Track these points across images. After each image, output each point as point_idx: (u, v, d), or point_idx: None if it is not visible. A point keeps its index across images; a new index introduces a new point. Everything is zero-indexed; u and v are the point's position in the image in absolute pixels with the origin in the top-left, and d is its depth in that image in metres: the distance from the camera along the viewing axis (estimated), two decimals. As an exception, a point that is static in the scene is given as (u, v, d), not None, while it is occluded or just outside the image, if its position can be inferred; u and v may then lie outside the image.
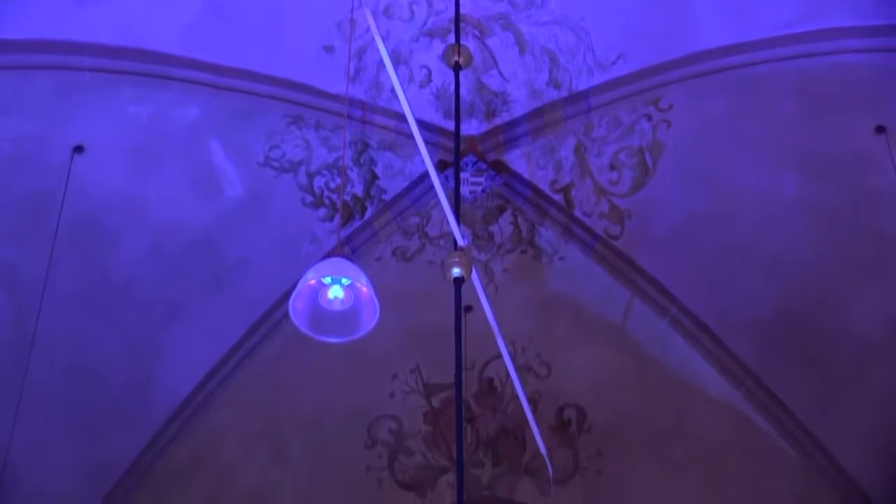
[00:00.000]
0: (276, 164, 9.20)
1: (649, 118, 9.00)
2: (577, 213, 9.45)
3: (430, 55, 8.66)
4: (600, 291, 9.69)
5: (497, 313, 6.96)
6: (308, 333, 5.85)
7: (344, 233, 9.43)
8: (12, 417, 8.54)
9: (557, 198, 9.43)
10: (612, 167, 9.29)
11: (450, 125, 8.78)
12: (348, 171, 9.33)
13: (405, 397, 10.46)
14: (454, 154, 8.27)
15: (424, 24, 8.51)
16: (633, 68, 8.59)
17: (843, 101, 8.44)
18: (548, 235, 9.64)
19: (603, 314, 9.85)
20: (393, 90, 8.63)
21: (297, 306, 5.78)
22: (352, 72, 8.61)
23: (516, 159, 9.29)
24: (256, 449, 10.30)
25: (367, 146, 9.20)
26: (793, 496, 10.04)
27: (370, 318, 5.78)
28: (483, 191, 9.36)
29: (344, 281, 5.79)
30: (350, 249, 9.32)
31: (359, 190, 9.40)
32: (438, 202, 8.97)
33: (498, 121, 9.10)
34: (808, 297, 9.41)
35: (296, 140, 9.11)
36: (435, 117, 8.92)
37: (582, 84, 8.75)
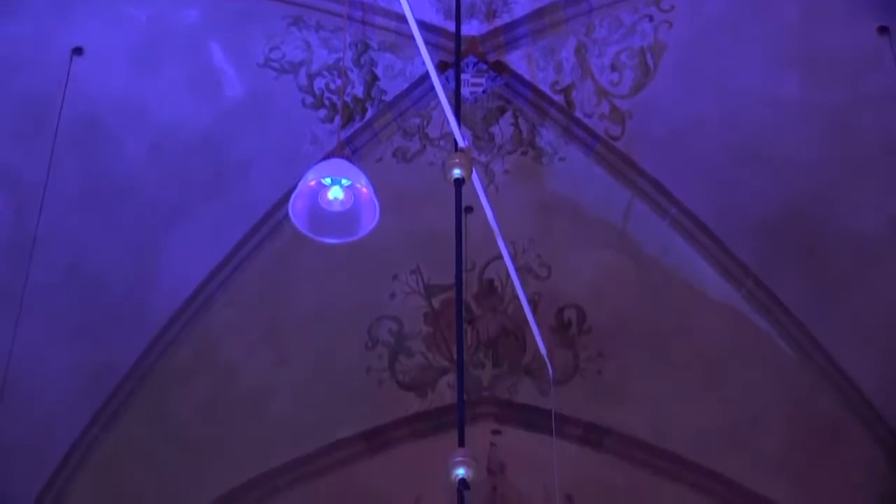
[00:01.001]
0: (276, 65, 9.21)
1: (651, 19, 9.00)
2: (578, 113, 9.47)
3: (431, -47, 8.68)
4: (601, 192, 9.74)
5: (497, 214, 7.05)
6: (308, 234, 5.93)
7: (344, 134, 9.45)
8: (14, 320, 8.64)
9: (558, 99, 9.45)
10: (612, 68, 9.30)
11: (450, 26, 8.79)
12: (348, 72, 9.34)
13: (405, 298, 10.54)
14: (455, 55, 8.34)
15: (423, -79, 8.51)
16: (634, -32, 8.61)
17: (846, 1, 8.44)
18: (548, 136, 9.67)
19: (603, 215, 9.90)
20: (393, -10, 8.63)
21: (297, 207, 5.84)
22: (351, -29, 8.61)
23: (517, 60, 9.30)
24: (257, 350, 10.39)
25: (367, 47, 9.21)
26: (792, 397, 10.16)
27: (370, 219, 5.85)
28: (483, 92, 9.38)
29: (344, 182, 5.86)
30: (350, 150, 9.35)
31: (359, 91, 9.42)
32: (439, 103, 9.02)
33: (499, 21, 9.11)
34: (808, 198, 9.45)
35: (296, 41, 9.12)
36: (435, 18, 8.92)
37: (583, -16, 8.77)
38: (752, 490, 10.59)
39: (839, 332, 9.75)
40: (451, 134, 8.41)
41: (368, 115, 9.49)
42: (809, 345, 9.83)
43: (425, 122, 9.60)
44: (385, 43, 9.12)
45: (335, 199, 5.89)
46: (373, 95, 9.45)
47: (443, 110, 8.72)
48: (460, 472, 5.64)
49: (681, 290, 10.02)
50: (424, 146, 9.74)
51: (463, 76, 9.14)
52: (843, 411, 9.89)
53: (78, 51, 8.69)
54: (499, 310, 10.73)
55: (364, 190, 5.86)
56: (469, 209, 8.46)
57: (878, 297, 9.61)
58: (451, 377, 10.82)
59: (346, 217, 5.91)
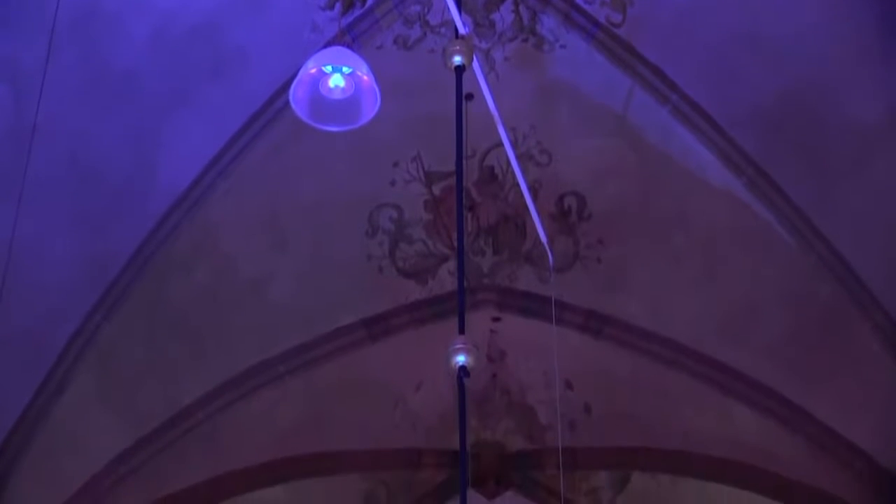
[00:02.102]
0: (276, -50, 9.16)
1: None
2: (579, 0, 9.44)
3: None
4: (601, 80, 9.73)
5: (498, 101, 7.07)
6: (309, 122, 5.97)
7: (344, 21, 9.40)
8: (14, 210, 8.67)
9: (559, -15, 9.42)
10: (614, -46, 9.26)
11: (449, -90, 8.73)
12: (348, -42, 9.30)
13: (406, 185, 10.57)
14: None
15: None
16: None
17: None
18: (549, 23, 9.64)
19: (604, 103, 9.90)
20: None
21: (297, 95, 5.88)
22: None
23: (518, -55, 9.26)
24: (257, 238, 10.47)
25: (366, -68, 9.17)
26: (791, 285, 10.26)
27: (371, 107, 5.89)
28: (484, -22, 9.36)
29: (344, 69, 5.89)
30: (351, 38, 9.32)
31: (359, -23, 9.39)
32: (439, -11, 8.99)
33: None
34: (811, 86, 9.46)
35: (295, -73, 9.08)
36: None
37: None
38: (751, 377, 10.74)
39: (839, 220, 9.81)
40: (451, 21, 8.38)
41: (369, 2, 9.45)
42: (809, 233, 9.89)
43: (426, 9, 9.57)
44: (384, -72, 9.08)
45: (336, 86, 5.93)
46: (373, -18, 9.41)
47: (443, -4, 8.70)
48: (460, 359, 5.73)
49: (681, 177, 10.05)
50: (425, 33, 9.71)
51: (463, -38, 9.09)
52: (843, 299, 9.98)
53: (74, -65, 8.65)
54: (499, 197, 10.76)
55: (365, 78, 5.89)
56: (469, 96, 8.43)
57: (878, 186, 9.66)
58: (451, 264, 10.91)
59: (347, 105, 5.95)
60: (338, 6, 9.32)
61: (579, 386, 11.51)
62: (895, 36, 9.10)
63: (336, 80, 5.91)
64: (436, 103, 9.18)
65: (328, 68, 5.87)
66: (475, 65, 5.84)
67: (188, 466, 11.18)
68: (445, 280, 10.96)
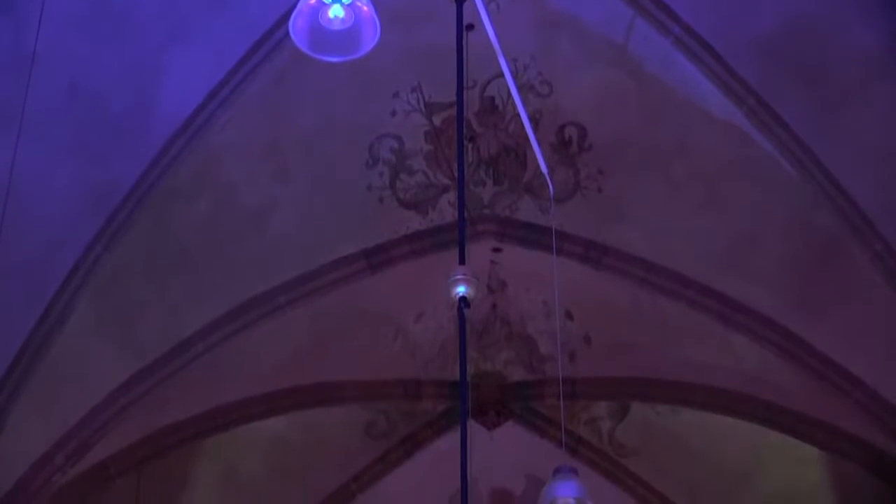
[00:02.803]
0: None
1: None
2: (579, -70, 9.44)
3: None
4: (603, 10, 9.68)
5: (498, 32, 7.08)
6: (308, 53, 6.00)
7: (343, -50, 9.39)
8: (14, 139, 8.70)
9: (558, -86, 9.40)
10: None
11: None
12: None
13: (406, 116, 10.56)
14: None
15: None
16: None
17: None
18: (549, -47, 9.64)
19: (605, 33, 9.87)
20: None
21: (297, 26, 5.89)
22: None
23: None
24: (258, 168, 10.48)
25: None
26: (791, 215, 10.30)
27: (371, 37, 5.91)
28: None
29: (344, 0, 5.90)
30: (350, -32, 9.31)
31: None
32: (439, -82, 8.96)
33: None
34: (812, 15, 9.41)
35: None
36: None
37: None
38: (751, 308, 10.82)
39: (840, 149, 9.81)
40: (452, -50, 8.39)
41: (368, -69, 9.42)
42: (810, 162, 9.87)
43: (427, -60, 9.54)
44: None
45: (336, 17, 5.93)
46: (371, -90, 9.37)
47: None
48: (461, 289, 5.81)
49: (682, 108, 10.03)
50: (425, -37, 9.68)
51: None
52: (842, 229, 9.99)
53: None
54: (500, 127, 10.77)
55: (364, 8, 5.90)
56: (470, 27, 8.46)
57: (879, 115, 9.66)
58: (451, 195, 10.94)
59: (347, 35, 5.96)
60: (336, -65, 9.29)
61: (579, 316, 11.63)
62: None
63: (336, 11, 5.92)
64: (436, 34, 9.20)
65: (328, -1, 5.89)
66: (475, -5, 5.86)
67: (189, 397, 11.33)
68: (446, 211, 11.00)
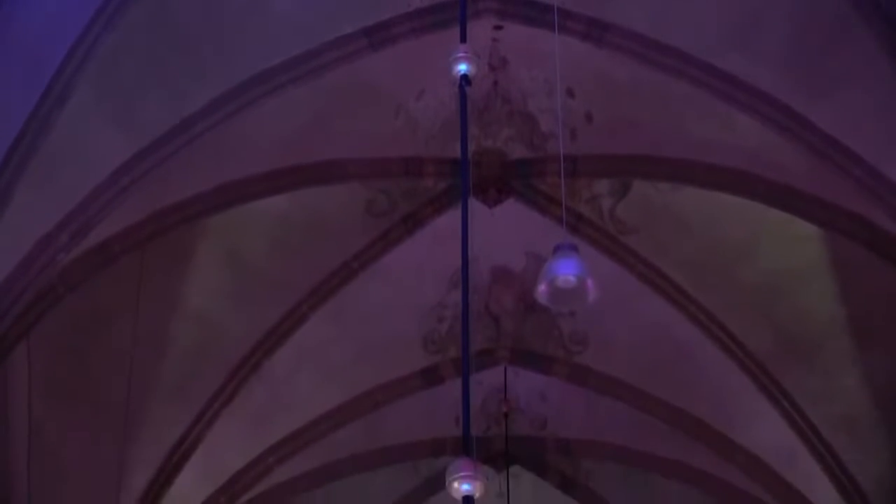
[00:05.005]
0: None
1: None
2: None
3: None
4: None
5: None
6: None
7: None
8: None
9: None
10: None
11: None
12: None
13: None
14: None
15: None
16: None
17: None
18: None
19: None
20: None
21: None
22: None
23: None
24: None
25: None
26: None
27: None
28: None
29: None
30: None
31: None
32: None
33: None
34: None
35: None
36: None
37: None
38: (753, 85, 10.82)
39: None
40: None
41: None
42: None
43: None
44: None
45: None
46: None
47: None
48: (462, 67, 5.98)
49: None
50: None
51: None
52: (846, 6, 10.02)
53: None
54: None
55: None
56: None
57: None
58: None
59: None
60: None
61: (580, 94, 11.72)
62: None
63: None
64: None
65: None
66: None
67: (191, 176, 11.53)
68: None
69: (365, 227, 13.25)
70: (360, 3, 10.92)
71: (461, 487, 6.47)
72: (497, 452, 15.49)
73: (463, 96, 6.13)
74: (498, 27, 11.42)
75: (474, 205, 12.06)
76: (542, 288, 7.27)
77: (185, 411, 13.67)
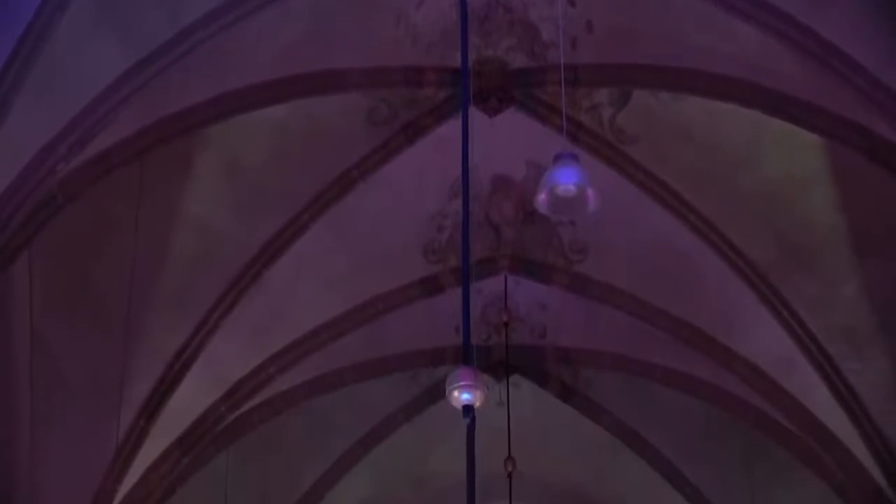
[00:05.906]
0: None
1: None
2: None
3: None
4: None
5: None
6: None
7: None
8: None
9: None
10: None
11: None
12: None
13: None
14: None
15: None
16: None
17: None
18: None
19: None
20: None
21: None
22: None
23: None
24: None
25: None
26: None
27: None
28: None
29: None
30: None
31: None
32: None
33: None
34: None
35: None
36: None
37: None
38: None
39: None
40: None
41: None
42: None
43: None
44: None
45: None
46: None
47: None
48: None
49: None
50: None
51: None
52: None
53: None
54: None
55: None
56: None
57: None
58: None
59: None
60: None
61: (581, 2, 11.72)
62: None
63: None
64: None
65: None
66: None
67: (191, 86, 11.54)
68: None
69: (365, 135, 13.29)
70: None
71: (461, 396, 6.65)
72: (497, 361, 15.68)
73: (463, 4, 6.17)
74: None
75: (474, 114, 12.04)
76: (542, 197, 7.36)
77: (186, 321, 13.83)
